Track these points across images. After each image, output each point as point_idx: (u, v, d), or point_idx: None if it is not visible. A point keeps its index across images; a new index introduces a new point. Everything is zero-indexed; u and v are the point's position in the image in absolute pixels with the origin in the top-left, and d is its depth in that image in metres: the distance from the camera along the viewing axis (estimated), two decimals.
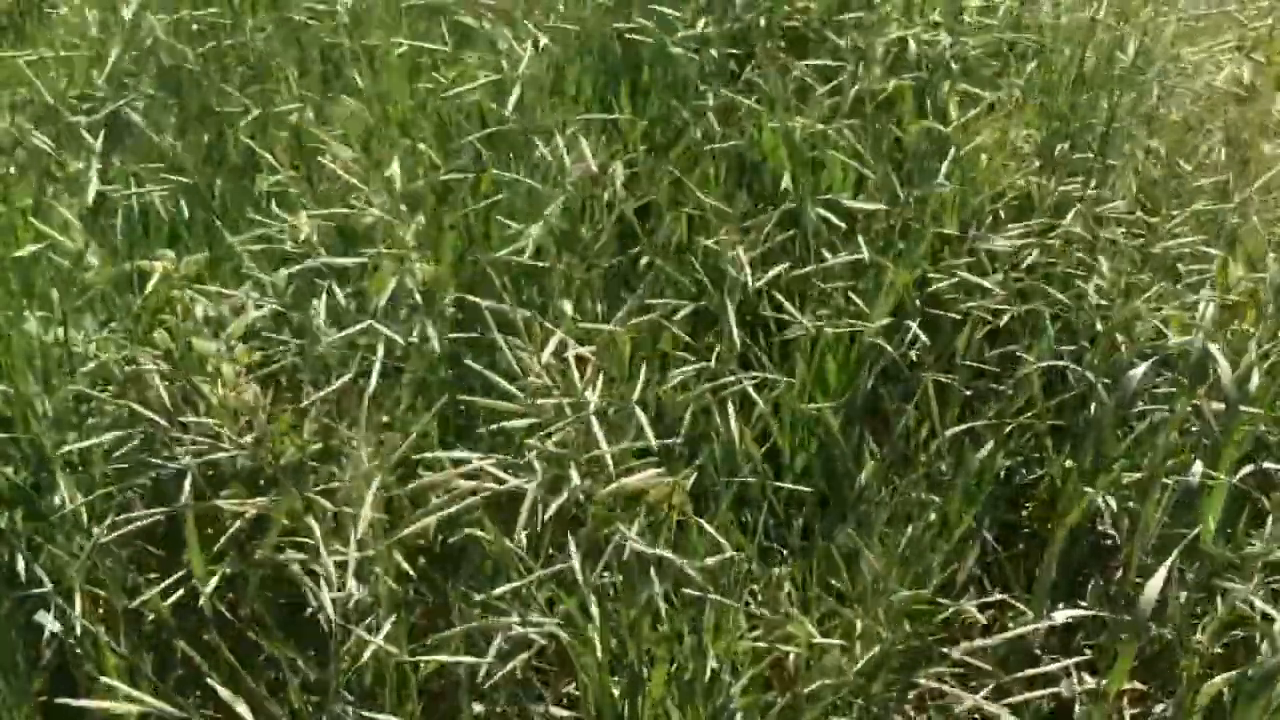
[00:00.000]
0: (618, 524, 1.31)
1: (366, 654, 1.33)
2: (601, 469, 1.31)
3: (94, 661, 1.46)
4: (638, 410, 1.37)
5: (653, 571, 1.35)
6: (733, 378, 1.61)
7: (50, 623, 1.47)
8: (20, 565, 1.51)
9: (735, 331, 1.65)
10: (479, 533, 1.41)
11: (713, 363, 1.63)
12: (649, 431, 1.36)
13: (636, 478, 1.32)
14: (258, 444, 1.39)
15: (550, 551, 1.39)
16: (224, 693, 1.29)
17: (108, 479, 1.57)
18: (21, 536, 1.53)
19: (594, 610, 1.38)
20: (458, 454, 1.36)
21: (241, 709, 1.28)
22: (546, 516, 1.26)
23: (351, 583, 1.29)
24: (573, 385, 1.34)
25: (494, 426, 1.50)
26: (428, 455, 1.44)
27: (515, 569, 1.38)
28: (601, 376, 1.36)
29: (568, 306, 1.65)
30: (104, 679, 1.41)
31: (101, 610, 1.52)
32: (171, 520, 1.58)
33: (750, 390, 1.65)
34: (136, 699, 1.28)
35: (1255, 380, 1.66)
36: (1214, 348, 1.65)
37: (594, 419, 1.30)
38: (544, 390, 1.34)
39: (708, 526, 1.40)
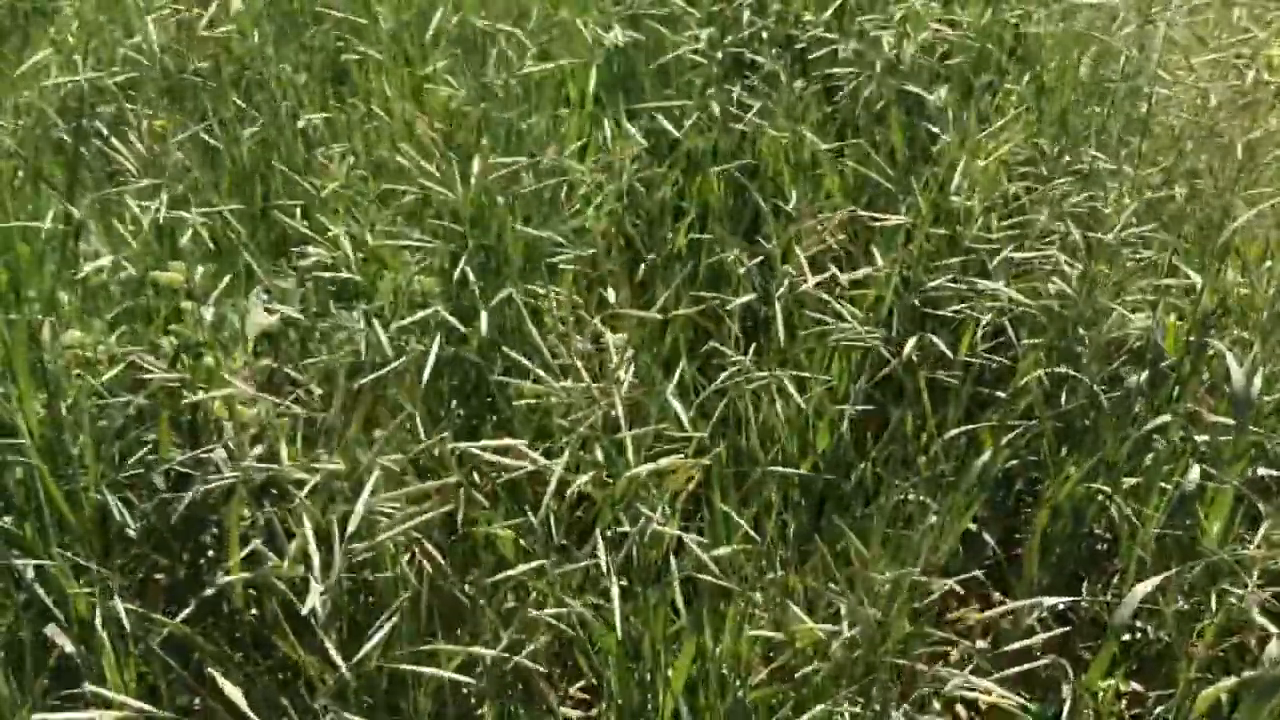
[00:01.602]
0: (639, 506, 1.30)
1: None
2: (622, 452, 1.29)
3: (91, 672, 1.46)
4: (670, 398, 1.35)
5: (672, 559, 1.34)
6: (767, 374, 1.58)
7: (59, 638, 1.47)
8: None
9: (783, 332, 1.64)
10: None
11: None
12: (684, 416, 1.34)
13: (662, 462, 1.30)
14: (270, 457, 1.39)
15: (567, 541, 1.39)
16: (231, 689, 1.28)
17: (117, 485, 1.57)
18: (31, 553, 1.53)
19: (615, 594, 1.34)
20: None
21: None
22: (570, 492, 1.25)
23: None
24: (606, 370, 1.31)
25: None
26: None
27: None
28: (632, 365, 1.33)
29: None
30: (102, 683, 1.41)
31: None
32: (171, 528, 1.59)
33: (791, 389, 1.61)
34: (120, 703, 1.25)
35: (1258, 384, 1.68)
36: (1228, 352, 1.67)
37: (620, 403, 1.28)
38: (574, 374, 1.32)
39: (735, 515, 1.39)
